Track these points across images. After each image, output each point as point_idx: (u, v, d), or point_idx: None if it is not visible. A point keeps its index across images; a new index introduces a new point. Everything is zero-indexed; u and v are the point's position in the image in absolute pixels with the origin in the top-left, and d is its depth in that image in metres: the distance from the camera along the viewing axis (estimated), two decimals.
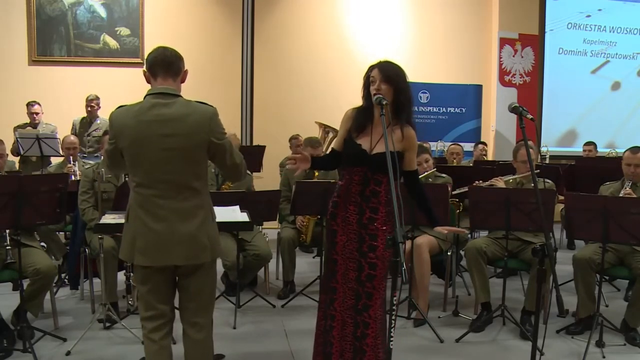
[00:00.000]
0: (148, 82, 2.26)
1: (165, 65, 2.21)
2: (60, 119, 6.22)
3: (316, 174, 4.69)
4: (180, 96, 2.23)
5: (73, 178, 4.54)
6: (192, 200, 2.21)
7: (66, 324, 3.67)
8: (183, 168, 2.18)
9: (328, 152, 2.76)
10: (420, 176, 4.14)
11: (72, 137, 5.10)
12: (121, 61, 7.13)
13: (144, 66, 2.26)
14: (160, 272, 2.25)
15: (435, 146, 7.32)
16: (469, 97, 7.80)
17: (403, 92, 2.46)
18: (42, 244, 4.17)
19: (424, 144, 4.79)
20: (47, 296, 3.54)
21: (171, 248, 2.18)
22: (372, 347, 2.48)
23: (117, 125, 2.19)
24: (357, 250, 2.49)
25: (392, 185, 2.02)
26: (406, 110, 2.49)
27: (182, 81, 2.29)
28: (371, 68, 2.51)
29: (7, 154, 3.58)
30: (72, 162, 4.87)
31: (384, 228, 2.48)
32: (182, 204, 2.19)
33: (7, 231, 3.30)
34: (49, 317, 3.63)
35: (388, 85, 2.43)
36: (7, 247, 3.30)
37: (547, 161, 7.36)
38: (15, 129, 5.88)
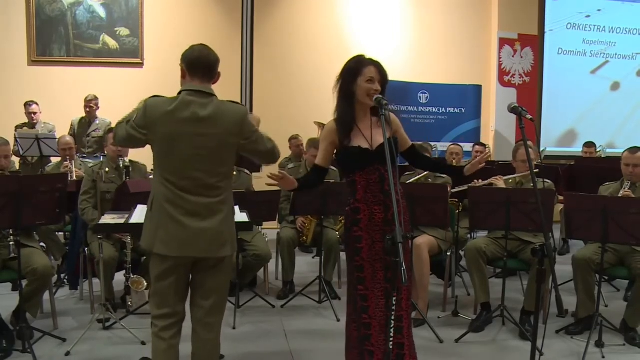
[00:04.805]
0: (183, 77, 2.30)
1: (208, 69, 2.27)
2: (60, 119, 6.23)
3: None
4: (215, 96, 2.28)
5: (70, 178, 4.53)
6: (217, 197, 2.26)
7: (66, 324, 3.67)
8: (212, 167, 2.23)
9: (309, 169, 2.72)
10: (420, 176, 4.20)
11: (68, 138, 5.09)
12: (121, 61, 7.10)
13: (181, 61, 2.28)
14: (179, 267, 2.27)
15: (434, 146, 7.30)
16: (469, 97, 7.79)
17: (385, 89, 2.50)
18: (42, 244, 4.17)
19: (424, 144, 4.77)
20: (47, 296, 3.55)
21: (194, 241, 2.22)
22: (406, 337, 2.51)
23: (152, 116, 2.19)
24: (383, 249, 2.46)
25: (392, 186, 2.03)
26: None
27: (214, 83, 2.34)
28: (363, 62, 2.48)
29: (12, 155, 3.57)
30: (68, 162, 4.86)
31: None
32: (209, 200, 2.24)
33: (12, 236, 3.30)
34: (48, 318, 3.63)
35: (382, 85, 2.47)
36: (11, 243, 3.27)
37: (541, 159, 7.32)
38: (16, 129, 5.88)
